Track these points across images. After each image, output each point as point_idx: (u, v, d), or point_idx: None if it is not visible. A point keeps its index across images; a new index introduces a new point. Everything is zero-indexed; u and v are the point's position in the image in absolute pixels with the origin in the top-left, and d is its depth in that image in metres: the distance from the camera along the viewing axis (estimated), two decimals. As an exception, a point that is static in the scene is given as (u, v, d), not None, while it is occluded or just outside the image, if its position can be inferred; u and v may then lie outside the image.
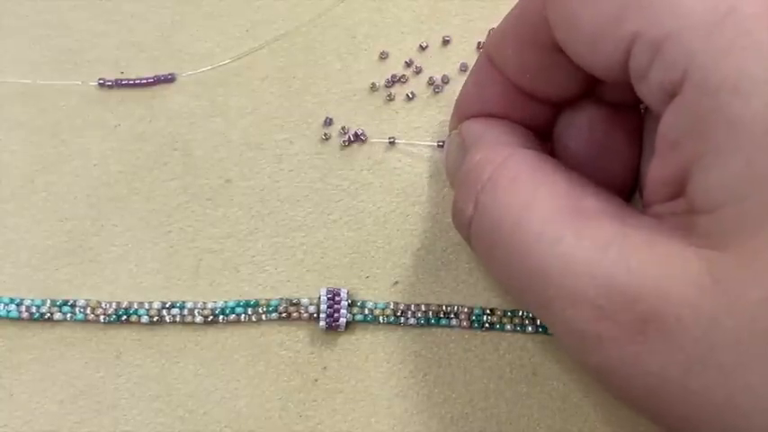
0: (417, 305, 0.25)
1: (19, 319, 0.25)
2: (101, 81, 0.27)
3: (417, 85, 0.27)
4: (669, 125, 0.18)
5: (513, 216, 0.20)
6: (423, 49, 0.27)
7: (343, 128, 0.26)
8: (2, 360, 0.25)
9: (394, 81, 0.27)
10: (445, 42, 0.27)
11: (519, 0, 0.22)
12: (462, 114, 0.24)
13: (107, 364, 0.25)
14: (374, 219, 0.26)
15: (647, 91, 0.19)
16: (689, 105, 0.17)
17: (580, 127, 0.23)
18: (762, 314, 0.16)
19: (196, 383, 0.25)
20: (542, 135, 0.23)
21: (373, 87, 0.27)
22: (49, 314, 0.25)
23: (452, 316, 0.25)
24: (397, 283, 0.26)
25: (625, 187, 0.23)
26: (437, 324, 0.25)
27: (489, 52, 0.23)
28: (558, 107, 0.23)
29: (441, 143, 0.26)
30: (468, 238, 0.22)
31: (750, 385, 0.17)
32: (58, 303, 0.25)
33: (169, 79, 0.27)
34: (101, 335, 0.26)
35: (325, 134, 0.26)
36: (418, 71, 0.27)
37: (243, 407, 0.25)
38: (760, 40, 0.17)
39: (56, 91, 0.27)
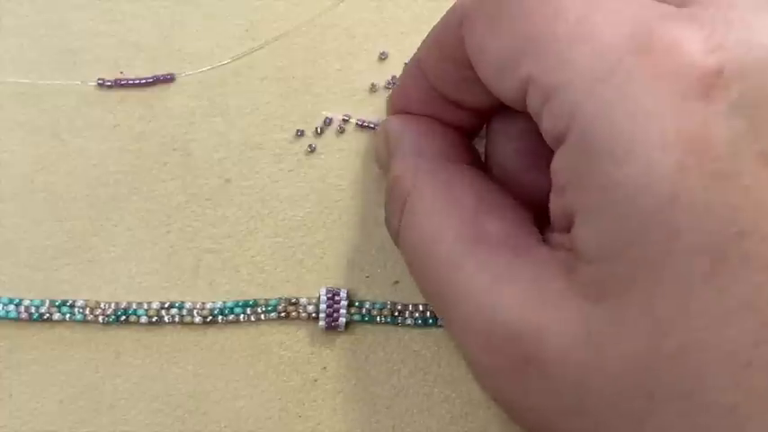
0: (417, 305, 0.25)
1: (18, 319, 0.25)
2: (100, 81, 0.27)
3: (417, 85, 0.27)
4: (557, 170, 0.18)
5: (425, 241, 0.20)
6: (422, 49, 0.27)
7: (326, 119, 0.26)
8: (2, 360, 0.25)
9: (394, 81, 0.27)
10: (445, 42, 0.27)
11: (445, 13, 0.21)
12: (393, 108, 0.24)
13: (106, 364, 0.25)
14: (374, 219, 0.26)
15: (543, 131, 0.18)
16: (570, 159, 0.17)
17: (509, 133, 0.23)
18: (626, 371, 0.16)
19: (196, 383, 0.25)
20: (472, 135, 0.24)
21: (373, 88, 0.27)
22: (48, 314, 0.25)
23: (452, 316, 0.25)
24: (397, 282, 0.26)
25: None
26: (437, 324, 0.25)
27: (418, 56, 0.23)
28: (486, 113, 0.23)
29: (375, 125, 0.26)
30: (397, 245, 0.22)
31: None
32: (57, 304, 0.25)
33: (168, 79, 0.27)
34: (100, 335, 0.25)
35: (319, 129, 0.26)
36: (418, 71, 0.27)
37: (242, 407, 0.25)
38: (638, 100, 0.16)
39: (55, 91, 0.27)
